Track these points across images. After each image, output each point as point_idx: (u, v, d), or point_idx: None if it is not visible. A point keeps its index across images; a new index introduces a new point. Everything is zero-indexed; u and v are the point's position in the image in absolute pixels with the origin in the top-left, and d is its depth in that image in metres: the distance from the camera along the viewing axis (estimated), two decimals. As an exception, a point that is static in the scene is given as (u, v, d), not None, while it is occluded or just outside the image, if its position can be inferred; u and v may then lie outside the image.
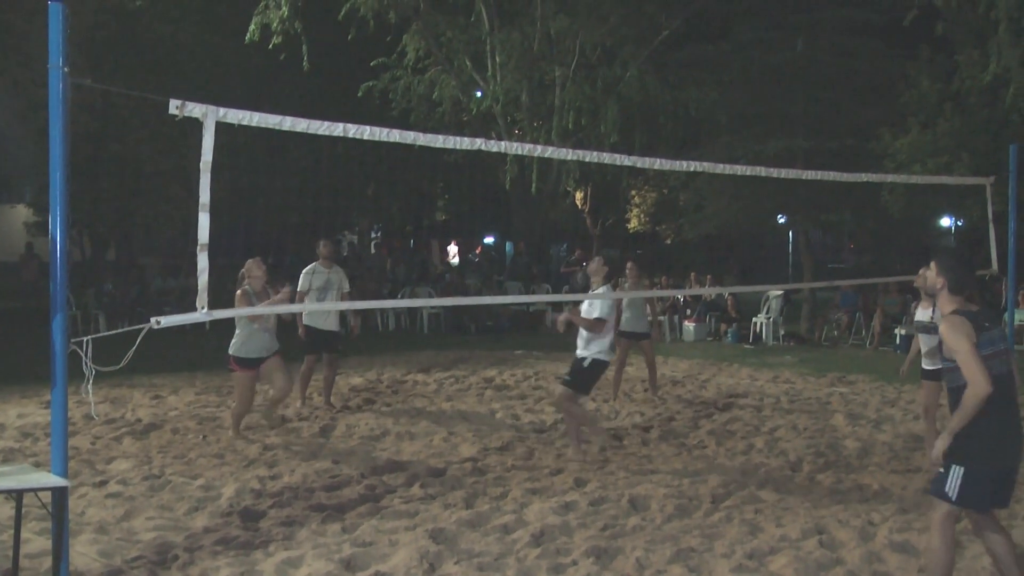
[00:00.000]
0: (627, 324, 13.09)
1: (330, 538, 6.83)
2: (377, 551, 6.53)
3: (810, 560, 6.38)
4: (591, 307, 9.52)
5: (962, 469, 5.38)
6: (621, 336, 12.91)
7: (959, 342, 5.28)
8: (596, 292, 9.77)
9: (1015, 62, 18.27)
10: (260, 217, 24.65)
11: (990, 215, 13.00)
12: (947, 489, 5.43)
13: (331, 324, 12.10)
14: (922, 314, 9.31)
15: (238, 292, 10.10)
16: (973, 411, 5.22)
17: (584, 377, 9.61)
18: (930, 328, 8.95)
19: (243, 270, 10.25)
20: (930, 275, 5.82)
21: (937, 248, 30.37)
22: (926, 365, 9.30)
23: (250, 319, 9.96)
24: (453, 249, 39.66)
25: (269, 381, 10.49)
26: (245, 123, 5.84)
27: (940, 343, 5.55)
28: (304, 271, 12.00)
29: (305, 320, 11.81)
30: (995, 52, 18.62)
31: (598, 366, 9.57)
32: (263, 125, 5.97)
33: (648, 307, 13.78)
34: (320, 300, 11.72)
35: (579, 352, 9.58)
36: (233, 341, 10.24)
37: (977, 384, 5.19)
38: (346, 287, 12.22)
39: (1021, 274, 14.71)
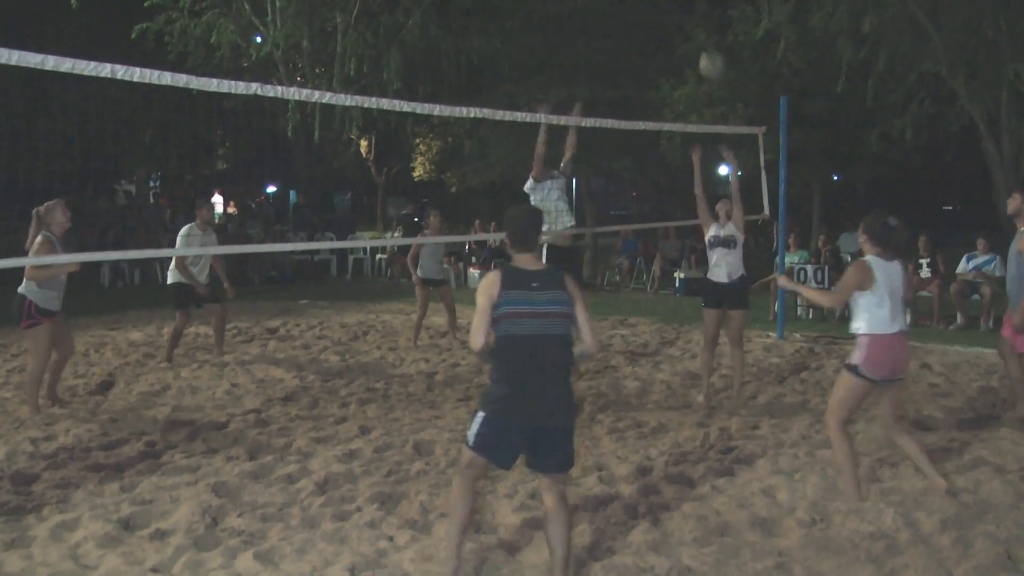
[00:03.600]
0: (425, 271, 13.31)
1: (108, 498, 6.58)
2: (157, 508, 6.34)
3: (590, 496, 6.55)
4: None
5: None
6: (423, 283, 13.36)
7: None
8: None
9: (784, 18, 18.96)
10: (22, 163, 23.26)
11: (762, 163, 13.60)
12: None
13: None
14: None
15: (38, 239, 8.85)
16: None
17: None
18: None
19: (40, 212, 9.24)
20: None
21: None
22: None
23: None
24: (218, 199, 38.80)
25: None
26: (3, 62, 5.51)
27: None
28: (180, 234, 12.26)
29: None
30: (766, 8, 19.28)
31: None
32: (23, 64, 5.63)
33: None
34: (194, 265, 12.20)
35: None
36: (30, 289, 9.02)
37: None
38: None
39: (791, 219, 15.45)
